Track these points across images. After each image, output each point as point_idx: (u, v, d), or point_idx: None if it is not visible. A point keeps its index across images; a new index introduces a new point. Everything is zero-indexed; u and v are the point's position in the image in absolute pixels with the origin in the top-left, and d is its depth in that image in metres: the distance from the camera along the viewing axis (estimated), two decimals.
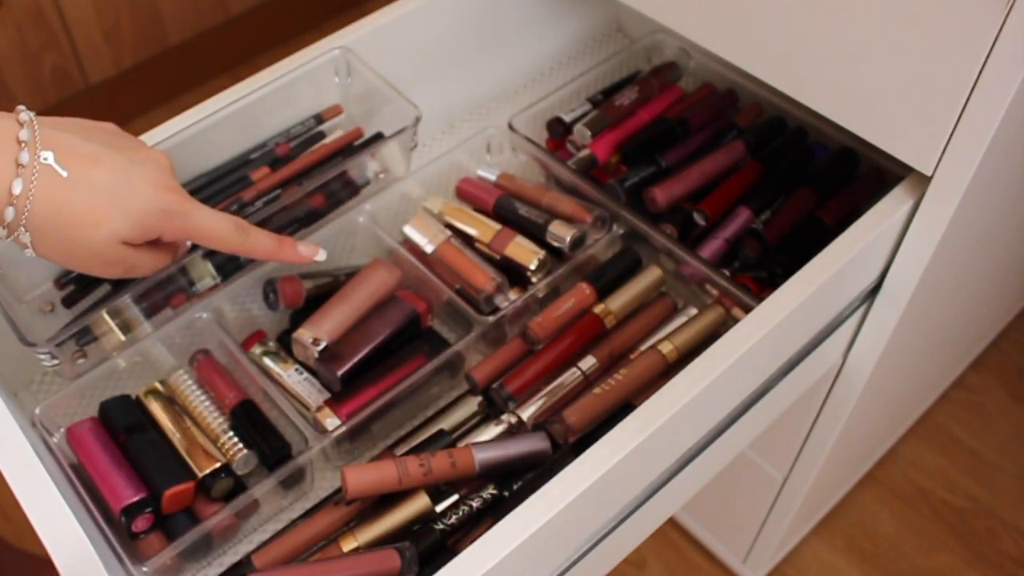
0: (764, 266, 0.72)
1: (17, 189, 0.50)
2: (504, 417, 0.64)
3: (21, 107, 0.53)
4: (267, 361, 0.68)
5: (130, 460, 0.60)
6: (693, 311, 0.69)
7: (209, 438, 0.63)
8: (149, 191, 0.54)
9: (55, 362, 0.62)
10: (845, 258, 0.63)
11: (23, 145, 0.51)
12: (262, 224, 0.69)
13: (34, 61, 1.67)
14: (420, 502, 0.59)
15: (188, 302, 0.68)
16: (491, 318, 0.67)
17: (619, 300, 0.69)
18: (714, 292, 0.69)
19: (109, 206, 0.53)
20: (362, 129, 0.77)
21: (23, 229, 0.52)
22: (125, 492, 0.58)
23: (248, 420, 0.64)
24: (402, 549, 0.56)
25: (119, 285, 0.66)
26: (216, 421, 0.63)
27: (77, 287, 0.67)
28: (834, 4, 0.61)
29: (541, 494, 0.53)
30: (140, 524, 0.58)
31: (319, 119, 0.77)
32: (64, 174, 0.52)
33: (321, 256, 0.63)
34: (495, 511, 0.60)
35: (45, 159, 0.51)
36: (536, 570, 0.57)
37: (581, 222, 0.72)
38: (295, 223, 0.72)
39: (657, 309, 0.70)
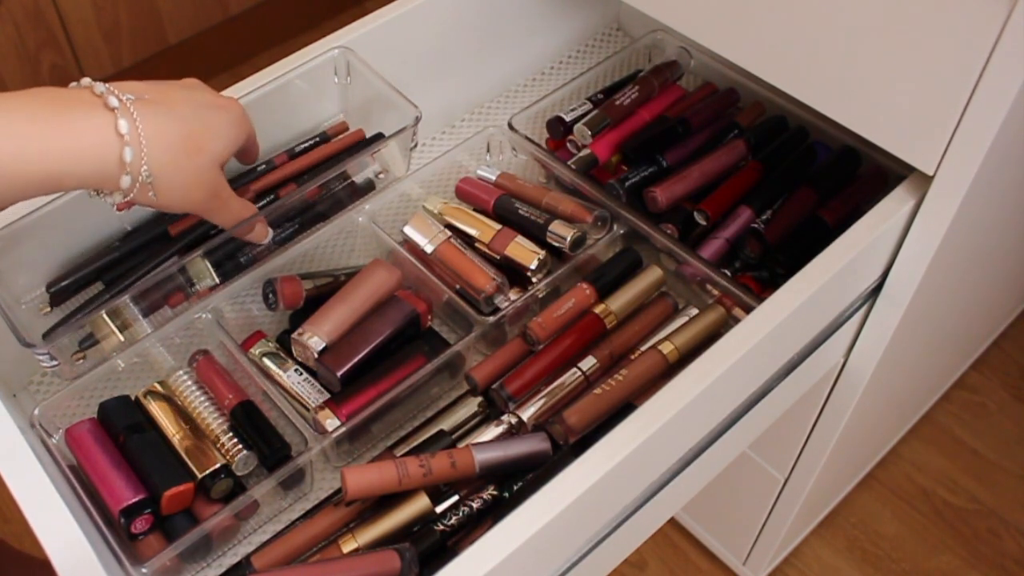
0: (765, 266, 0.71)
1: (124, 128, 0.52)
2: (504, 417, 0.64)
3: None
4: (267, 362, 0.67)
5: (129, 461, 0.60)
6: (694, 311, 0.69)
7: (208, 439, 0.63)
8: (221, 103, 0.61)
9: (54, 363, 0.62)
10: (846, 258, 0.63)
11: (110, 92, 0.53)
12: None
13: (32, 60, 1.66)
14: (420, 503, 0.59)
15: (187, 302, 0.68)
16: (491, 318, 0.67)
17: (619, 300, 0.69)
18: (715, 292, 0.69)
19: (202, 129, 0.57)
20: (362, 130, 0.76)
21: (145, 172, 0.54)
22: (124, 493, 0.58)
23: (248, 421, 0.64)
24: (402, 550, 0.56)
25: (112, 284, 0.66)
26: (216, 422, 0.63)
27: (65, 286, 0.67)
28: (836, 3, 0.60)
29: (541, 495, 0.52)
30: (139, 525, 0.58)
31: (324, 137, 0.76)
32: (157, 110, 0.55)
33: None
34: (495, 512, 0.60)
35: (129, 99, 0.54)
36: (536, 571, 0.57)
37: (581, 222, 0.72)
38: (295, 223, 0.71)
39: (658, 309, 0.69)
